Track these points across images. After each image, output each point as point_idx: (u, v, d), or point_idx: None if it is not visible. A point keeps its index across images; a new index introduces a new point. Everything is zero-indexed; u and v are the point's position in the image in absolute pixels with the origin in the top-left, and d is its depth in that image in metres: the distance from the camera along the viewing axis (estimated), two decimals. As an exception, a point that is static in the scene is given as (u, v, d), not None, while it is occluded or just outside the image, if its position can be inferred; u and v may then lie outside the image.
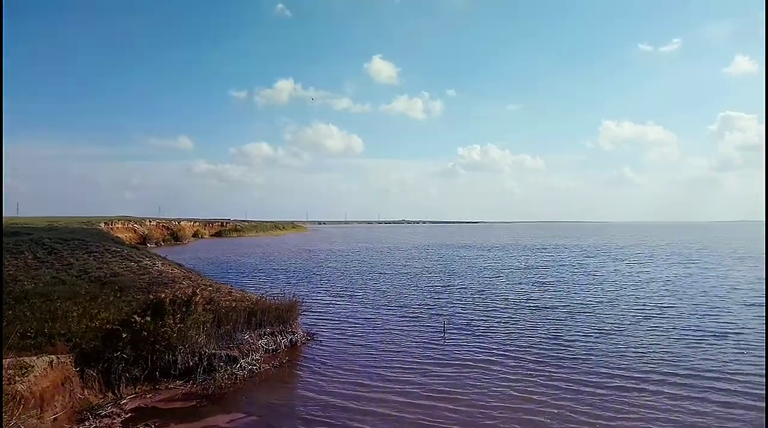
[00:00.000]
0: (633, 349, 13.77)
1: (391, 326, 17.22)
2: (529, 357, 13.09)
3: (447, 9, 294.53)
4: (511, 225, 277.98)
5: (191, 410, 9.97)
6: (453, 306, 20.69)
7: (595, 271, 34.04)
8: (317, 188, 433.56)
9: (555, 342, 14.74)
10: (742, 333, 15.23)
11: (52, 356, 9.43)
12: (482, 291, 25.06)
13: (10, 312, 11.46)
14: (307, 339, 15.16)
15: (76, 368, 9.97)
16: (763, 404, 9.19)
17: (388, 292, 24.82)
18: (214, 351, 11.88)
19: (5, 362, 8.41)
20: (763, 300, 21.45)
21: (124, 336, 10.68)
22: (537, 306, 20.47)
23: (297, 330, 15.03)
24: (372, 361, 13.10)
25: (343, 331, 16.59)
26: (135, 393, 10.54)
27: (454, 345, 14.62)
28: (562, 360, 12.80)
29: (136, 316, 11.08)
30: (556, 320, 17.78)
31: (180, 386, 11.04)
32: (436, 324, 17.14)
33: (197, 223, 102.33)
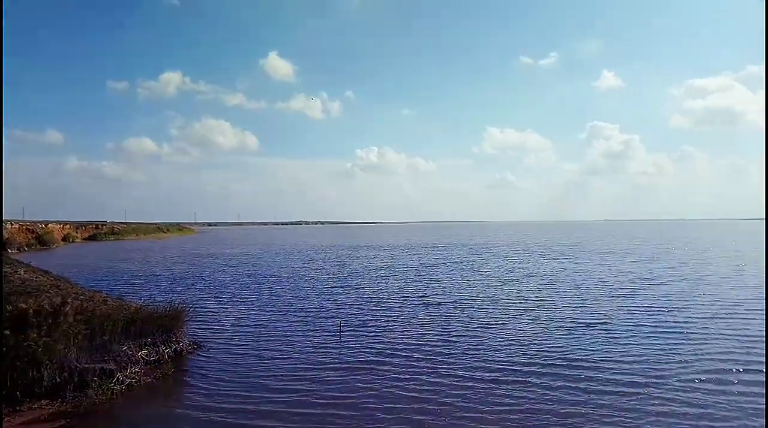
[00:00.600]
0: (515, 341, 14.60)
1: (284, 331, 16.65)
2: (418, 356, 13.29)
3: (345, 11, 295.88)
4: (407, 226, 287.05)
5: (54, 433, 8.83)
6: (350, 307, 20.65)
7: (481, 268, 36.28)
8: (207, 187, 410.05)
9: (444, 338, 15.20)
10: (609, 323, 16.88)
11: None
12: (378, 290, 25.44)
13: None
14: (194, 349, 14.10)
15: None
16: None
17: (283, 296, 24.15)
18: (86, 365, 10.68)
19: None
20: (627, 291, 24.41)
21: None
22: (429, 303, 21.19)
23: (182, 339, 13.90)
24: (262, 370, 12.45)
25: (233, 339, 15.70)
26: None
27: (349, 347, 14.45)
28: (450, 356, 13.16)
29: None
30: (446, 315, 18.48)
31: (46, 406, 9.74)
32: (331, 327, 16.95)
33: (68, 226, 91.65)
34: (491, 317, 18.20)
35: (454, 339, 15.11)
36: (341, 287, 26.98)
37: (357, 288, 26.26)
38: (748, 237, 78.48)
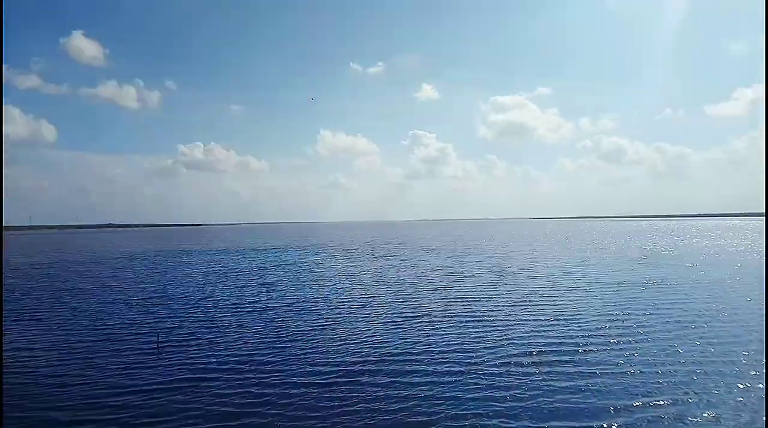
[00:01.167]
0: (348, 341, 14.74)
1: (90, 352, 14.18)
2: (247, 367, 12.46)
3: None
4: (236, 228, 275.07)
5: None
6: (171, 320, 18.58)
7: (314, 268, 36.42)
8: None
9: (276, 344, 14.63)
10: (430, 315, 18.18)
11: None
12: (204, 298, 23.52)
13: None
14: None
15: None
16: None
17: (88, 311, 20.66)
18: None
19: None
20: (444, 284, 26.62)
21: None
22: (260, 309, 20.29)
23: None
24: (62, 399, 10.37)
25: (25, 365, 12.91)
26: None
27: (168, 365, 12.89)
28: (281, 364, 12.65)
29: None
30: (279, 320, 17.87)
31: None
32: (149, 342, 15.11)
33: None
34: (325, 318, 18.16)
35: (286, 344, 14.61)
36: (161, 297, 24.28)
37: (180, 298, 23.89)
38: (538, 234, 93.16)
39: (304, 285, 27.07)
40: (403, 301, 21.26)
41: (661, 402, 9.47)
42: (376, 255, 47.98)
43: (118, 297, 24.59)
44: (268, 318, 18.43)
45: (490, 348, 13.65)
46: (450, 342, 14.31)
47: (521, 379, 10.99)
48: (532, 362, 12.23)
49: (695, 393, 9.96)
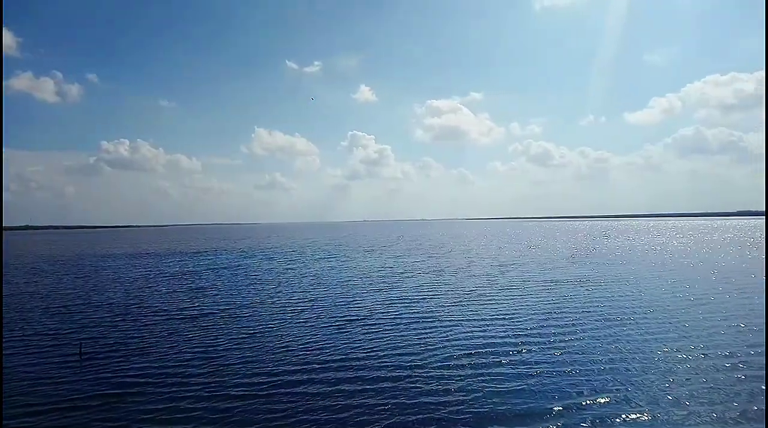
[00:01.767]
0: (290, 346, 14.32)
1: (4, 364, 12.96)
2: (176, 379, 11.66)
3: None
4: (166, 229, 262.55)
5: None
6: (96, 328, 17.20)
7: (252, 272, 35.26)
8: None
9: (210, 353, 13.86)
10: (373, 317, 18.06)
11: None
12: (132, 305, 22.03)
13: None
14: None
15: None
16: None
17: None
18: None
19: None
20: (385, 285, 26.58)
21: None
22: (193, 315, 19.25)
23: None
24: None
25: None
26: None
27: (90, 377, 11.88)
28: (215, 374, 11.96)
29: None
30: (213, 327, 17.03)
31: None
32: (69, 354, 13.91)
33: None
34: (263, 324, 17.51)
35: (221, 353, 13.88)
36: (83, 304, 22.46)
37: (105, 305, 22.23)
38: (474, 234, 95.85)
39: (240, 290, 26.06)
40: (344, 304, 20.99)
41: (602, 400, 9.84)
42: (317, 257, 47.33)
43: (37, 304, 22.54)
44: (201, 326, 17.51)
45: (431, 350, 13.69)
46: (392, 345, 14.22)
47: (463, 382, 11.07)
48: (473, 363, 12.38)
49: (634, 388, 10.44)
